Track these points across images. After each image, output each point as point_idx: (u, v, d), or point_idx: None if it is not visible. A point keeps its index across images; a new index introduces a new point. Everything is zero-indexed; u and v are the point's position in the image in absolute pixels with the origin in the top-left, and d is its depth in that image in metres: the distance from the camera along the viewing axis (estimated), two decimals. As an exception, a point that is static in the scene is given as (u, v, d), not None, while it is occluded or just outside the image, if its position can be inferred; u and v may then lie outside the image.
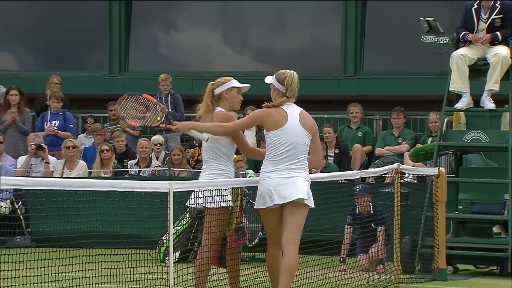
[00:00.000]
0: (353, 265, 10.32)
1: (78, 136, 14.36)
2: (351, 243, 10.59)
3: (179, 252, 10.43)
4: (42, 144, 13.41)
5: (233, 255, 7.38)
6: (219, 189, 7.19)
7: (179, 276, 6.99)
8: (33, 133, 13.80)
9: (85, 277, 6.63)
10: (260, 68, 16.15)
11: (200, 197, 7.14)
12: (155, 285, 6.86)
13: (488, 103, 10.69)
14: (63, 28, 16.59)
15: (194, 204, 7.24)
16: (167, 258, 7.01)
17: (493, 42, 10.65)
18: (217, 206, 7.22)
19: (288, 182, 6.97)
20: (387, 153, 13.30)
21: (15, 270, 6.31)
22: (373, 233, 10.49)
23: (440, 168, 10.11)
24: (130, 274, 7.23)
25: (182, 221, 11.31)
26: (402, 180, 9.74)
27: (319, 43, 15.84)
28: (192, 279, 7.18)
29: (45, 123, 13.98)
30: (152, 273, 6.96)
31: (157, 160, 13.52)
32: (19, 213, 12.46)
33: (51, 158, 13.47)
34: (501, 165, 11.41)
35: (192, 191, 7.30)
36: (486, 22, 10.63)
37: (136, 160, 13.45)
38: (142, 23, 16.56)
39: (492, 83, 10.60)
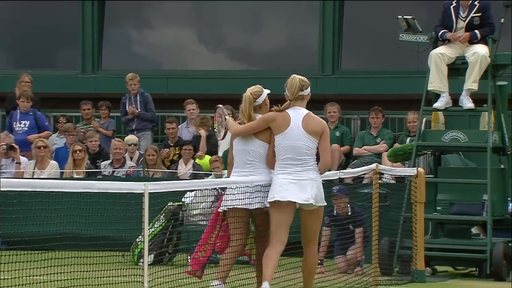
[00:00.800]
0: (331, 267, 10.34)
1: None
2: (329, 245, 10.61)
3: (153, 254, 10.40)
4: (13, 144, 13.32)
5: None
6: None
7: (154, 279, 6.97)
8: (3, 133, 13.71)
9: (58, 281, 6.60)
10: (235, 67, 16.16)
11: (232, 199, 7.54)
12: (129, 288, 6.84)
13: (467, 103, 10.74)
14: (35, 26, 16.50)
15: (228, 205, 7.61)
16: (141, 260, 7.00)
17: (472, 41, 10.70)
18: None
19: (297, 183, 7.34)
20: (365, 153, 13.34)
21: (-14, 273, 6.27)
22: (351, 235, 10.52)
23: (419, 168, 10.16)
24: (103, 277, 7.19)
25: (157, 223, 11.29)
26: (380, 181, 9.76)
27: (296, 42, 15.87)
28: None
29: (14, 123, 13.89)
30: (126, 275, 6.94)
31: (131, 160, 13.49)
32: (-11, 215, 12.37)
33: (22, 159, 13.39)
34: (480, 165, 11.48)
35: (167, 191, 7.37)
36: (464, 21, 10.69)
37: (110, 160, 13.41)
38: (115, 22, 16.51)
39: (471, 82, 10.65)
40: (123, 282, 6.95)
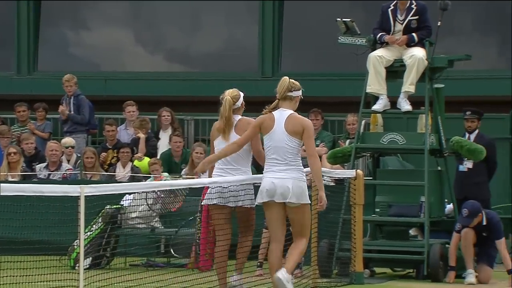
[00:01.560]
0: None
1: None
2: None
3: (91, 258, 10.37)
4: None
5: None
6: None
7: (90, 283, 6.97)
8: None
9: (-9, 285, 6.55)
10: (174, 68, 16.17)
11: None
12: (65, 293, 6.83)
13: (405, 105, 10.93)
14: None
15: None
16: (78, 264, 7.00)
17: (410, 44, 10.90)
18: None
19: (280, 182, 7.91)
20: (304, 155, 13.47)
21: None
22: (291, 237, 10.61)
23: (358, 170, 10.30)
24: (38, 282, 7.17)
25: (94, 226, 11.26)
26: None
27: (235, 43, 15.95)
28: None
29: None
30: (62, 280, 6.93)
31: (68, 163, 13.41)
32: None
33: (-45, 162, 13.22)
34: (417, 167, 11.68)
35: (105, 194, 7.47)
36: (402, 24, 10.88)
37: (46, 163, 13.32)
38: (51, 22, 16.39)
39: (408, 84, 10.83)
40: (59, 287, 6.93)
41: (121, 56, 16.30)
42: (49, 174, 13.14)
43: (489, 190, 11.79)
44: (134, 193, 10.68)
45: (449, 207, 11.48)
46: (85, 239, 6.98)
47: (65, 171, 13.13)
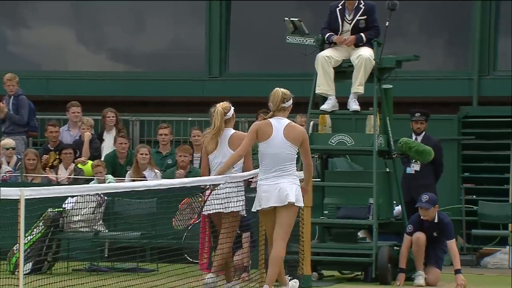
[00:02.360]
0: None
1: None
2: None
3: (31, 263, 10.23)
4: None
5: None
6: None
7: (31, 288, 6.88)
8: None
9: None
10: (117, 68, 16.05)
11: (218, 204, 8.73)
12: (4, 299, 6.73)
13: (353, 105, 10.97)
14: None
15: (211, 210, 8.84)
16: (17, 269, 6.89)
17: (358, 44, 10.95)
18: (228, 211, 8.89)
19: (277, 188, 8.29)
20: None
21: None
22: (238, 240, 10.60)
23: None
24: (-24, 288, 7.05)
25: (35, 229, 11.11)
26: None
27: (181, 43, 15.89)
28: None
29: None
30: (1, 286, 6.81)
31: (8, 165, 13.22)
32: None
33: None
34: (366, 169, 11.75)
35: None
36: (350, 24, 10.93)
37: (-16, 165, 13.11)
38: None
39: (357, 85, 10.87)
40: (-2, 293, 6.83)
41: (63, 55, 16.13)
42: (-12, 177, 12.94)
43: (436, 192, 11.92)
44: (77, 196, 10.56)
45: (398, 209, 11.57)
46: (25, 243, 6.89)
47: (5, 173, 12.94)
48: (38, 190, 7.17)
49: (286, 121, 8.45)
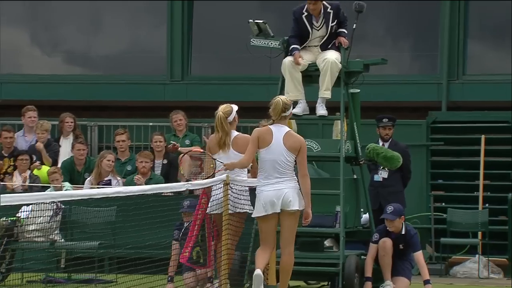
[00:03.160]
0: (179, 283, 10.29)
1: None
2: (178, 260, 10.54)
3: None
4: None
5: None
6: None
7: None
8: None
9: None
10: (73, 71, 15.88)
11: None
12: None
13: (320, 110, 10.92)
14: None
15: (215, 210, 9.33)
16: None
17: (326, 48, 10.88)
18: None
19: (280, 194, 8.73)
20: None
21: None
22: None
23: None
24: None
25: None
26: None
27: (141, 45, 15.75)
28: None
29: None
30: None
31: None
32: None
33: None
34: (333, 175, 11.71)
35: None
36: (318, 30, 10.85)
37: None
38: None
39: (323, 90, 10.81)
40: None
41: (17, 58, 15.91)
42: None
43: (404, 199, 11.90)
44: (32, 204, 10.41)
45: (365, 217, 11.53)
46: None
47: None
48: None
49: (286, 129, 8.86)
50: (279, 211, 8.77)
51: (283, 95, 10.85)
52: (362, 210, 11.40)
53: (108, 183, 12.44)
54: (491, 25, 15.07)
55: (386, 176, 11.95)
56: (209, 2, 15.52)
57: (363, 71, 11.01)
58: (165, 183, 12.36)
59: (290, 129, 8.89)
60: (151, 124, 14.38)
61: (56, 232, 11.48)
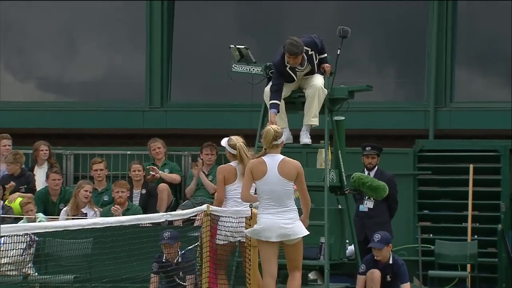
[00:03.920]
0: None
1: None
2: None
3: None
4: None
5: None
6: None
7: None
8: None
9: None
10: (47, 98, 15.79)
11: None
12: None
13: (304, 138, 10.88)
14: None
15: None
16: None
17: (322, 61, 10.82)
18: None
19: (281, 226, 8.82)
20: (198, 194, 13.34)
21: None
22: (179, 283, 10.41)
23: (253, 209, 10.18)
24: None
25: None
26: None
27: (118, 71, 15.69)
28: None
29: None
30: None
31: None
32: None
33: None
34: (317, 206, 11.65)
35: None
36: (303, 70, 10.79)
37: None
38: None
39: (311, 117, 10.77)
40: None
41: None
42: None
43: (391, 230, 11.85)
44: (4, 236, 10.26)
45: (351, 248, 11.47)
46: None
47: None
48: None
49: (280, 157, 8.92)
50: (277, 240, 8.87)
51: (266, 122, 10.83)
52: (347, 241, 11.34)
53: (84, 216, 12.33)
54: (478, 52, 15.10)
55: (371, 207, 11.91)
56: (189, 26, 15.50)
57: (348, 98, 11.00)
58: (143, 213, 12.27)
59: (284, 157, 8.94)
60: (129, 152, 14.29)
61: (29, 265, 11.35)
